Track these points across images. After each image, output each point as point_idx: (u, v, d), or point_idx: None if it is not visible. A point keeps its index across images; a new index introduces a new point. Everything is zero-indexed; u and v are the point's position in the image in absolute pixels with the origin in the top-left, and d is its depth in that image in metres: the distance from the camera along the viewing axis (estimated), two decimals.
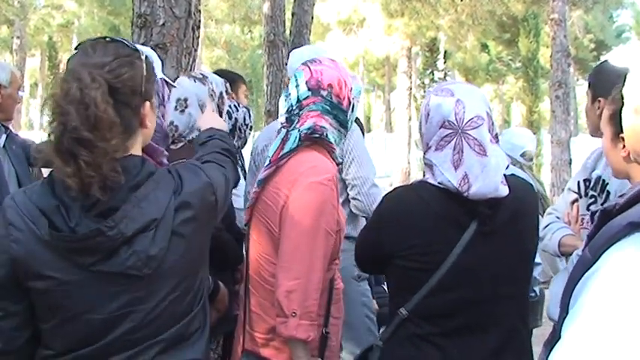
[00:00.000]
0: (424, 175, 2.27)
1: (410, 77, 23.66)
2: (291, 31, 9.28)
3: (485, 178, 2.09)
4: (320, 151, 2.43)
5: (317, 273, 2.28)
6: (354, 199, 3.52)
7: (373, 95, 51.08)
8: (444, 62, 28.72)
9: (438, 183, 2.14)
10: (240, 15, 28.85)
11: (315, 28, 25.92)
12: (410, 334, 2.17)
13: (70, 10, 32.78)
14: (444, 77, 27.62)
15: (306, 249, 2.28)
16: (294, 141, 2.38)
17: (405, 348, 2.18)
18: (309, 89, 2.42)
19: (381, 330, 2.44)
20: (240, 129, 3.88)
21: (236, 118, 3.87)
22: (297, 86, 2.44)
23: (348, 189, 3.56)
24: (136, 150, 1.80)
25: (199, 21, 4.07)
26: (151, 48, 3.81)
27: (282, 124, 2.46)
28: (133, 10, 4.01)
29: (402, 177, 22.11)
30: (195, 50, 4.06)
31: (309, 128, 2.37)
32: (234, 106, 3.92)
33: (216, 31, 33.13)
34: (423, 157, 2.24)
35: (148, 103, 1.81)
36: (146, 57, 1.82)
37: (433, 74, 27.29)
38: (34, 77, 45.66)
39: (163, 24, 3.87)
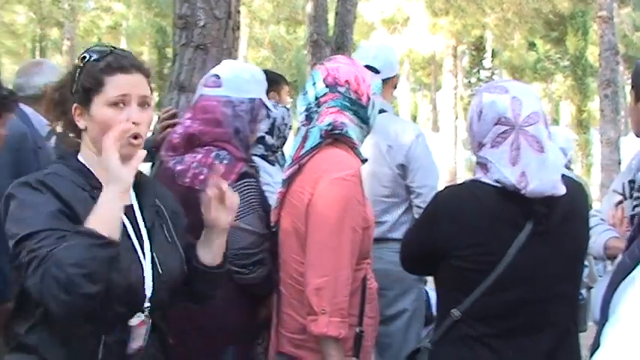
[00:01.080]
0: (474, 175, 2.24)
1: (456, 76, 23.49)
2: (334, 31, 9.27)
3: (543, 175, 2.07)
4: (342, 147, 2.43)
5: (345, 269, 2.28)
6: (418, 206, 3.49)
7: (419, 94, 50.76)
8: (491, 61, 28.41)
9: (494, 181, 2.12)
10: (284, 15, 28.96)
11: (360, 28, 25.87)
12: (462, 335, 2.15)
13: (119, 12, 33.31)
14: (491, 76, 27.34)
15: (332, 245, 2.28)
16: (315, 138, 2.40)
17: (457, 350, 2.16)
18: (326, 86, 2.44)
19: (425, 331, 2.42)
20: (279, 128, 3.89)
21: (274, 117, 3.87)
22: (314, 84, 2.47)
23: (413, 196, 3.55)
24: None
25: (239, 22, 4.09)
26: (192, 49, 3.87)
27: (301, 122, 2.49)
28: (174, 11, 4.04)
29: (448, 177, 21.95)
30: (236, 51, 4.08)
31: (329, 124, 2.38)
32: (273, 104, 3.93)
33: (260, 32, 33.30)
34: (476, 155, 2.22)
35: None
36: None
37: (479, 73, 27.03)
38: None
39: (204, 25, 3.89)
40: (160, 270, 1.98)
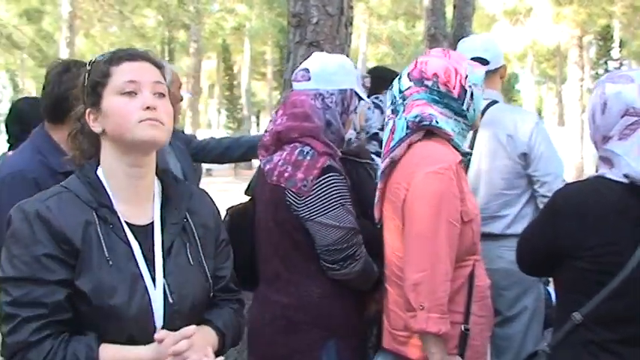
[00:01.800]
0: (596, 170, 2.16)
1: (582, 68, 22.56)
2: (452, 24, 9.10)
3: None
4: (437, 141, 2.41)
5: (443, 264, 2.25)
6: (544, 196, 3.37)
7: (544, 87, 49.18)
8: (619, 51, 27.09)
9: (622, 176, 2.03)
10: (402, 10, 28.79)
11: (481, 20, 25.35)
12: (584, 340, 2.07)
13: (242, 13, 34.17)
14: (619, 67, 26.09)
15: (429, 240, 2.26)
16: (402, 129, 2.40)
17: (578, 355, 2.08)
18: (410, 80, 2.43)
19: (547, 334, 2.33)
20: None
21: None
22: (400, 78, 2.48)
23: (537, 186, 3.44)
24: None
25: (352, 17, 4.11)
26: (305, 46, 3.90)
27: (388, 116, 2.50)
28: (288, 9, 4.10)
29: (574, 173, 21.17)
30: (349, 46, 4.11)
31: (415, 116, 2.37)
32: None
33: (378, 28, 33.26)
34: (599, 149, 2.14)
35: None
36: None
37: (607, 64, 25.84)
38: (212, 79, 48.12)
39: (317, 22, 3.94)
40: (170, 299, 1.81)
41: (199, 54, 30.22)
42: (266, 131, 2.76)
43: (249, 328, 2.68)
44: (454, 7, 9.05)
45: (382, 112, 3.86)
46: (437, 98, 2.40)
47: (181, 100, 3.76)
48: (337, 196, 2.53)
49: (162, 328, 1.78)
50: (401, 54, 33.84)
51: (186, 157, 3.74)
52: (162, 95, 1.86)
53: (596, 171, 2.16)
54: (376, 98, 3.95)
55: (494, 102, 3.57)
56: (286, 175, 2.55)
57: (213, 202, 2.13)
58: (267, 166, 2.64)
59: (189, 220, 1.95)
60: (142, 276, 1.79)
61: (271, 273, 2.65)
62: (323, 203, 2.50)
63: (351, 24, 4.11)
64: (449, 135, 2.40)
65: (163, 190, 1.96)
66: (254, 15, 34.11)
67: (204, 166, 22.27)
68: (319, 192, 2.51)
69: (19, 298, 1.68)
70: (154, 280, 1.81)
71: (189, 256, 1.91)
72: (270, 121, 2.77)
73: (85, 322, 1.73)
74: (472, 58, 3.53)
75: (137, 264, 1.80)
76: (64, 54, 20.80)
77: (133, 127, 1.78)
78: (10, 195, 2.54)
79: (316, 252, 2.55)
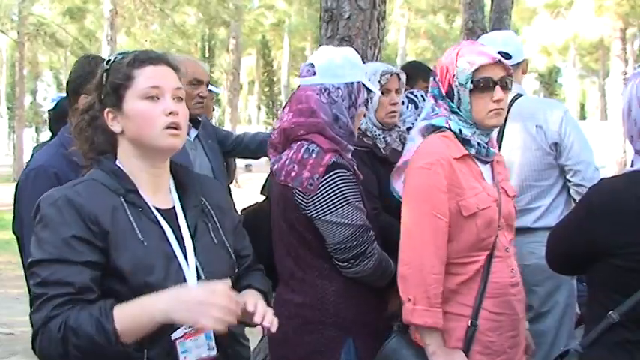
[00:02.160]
0: (632, 165, 2.11)
1: (625, 61, 22.09)
2: (490, 18, 9.00)
3: None
4: (441, 135, 2.47)
5: (428, 257, 2.33)
6: (578, 185, 3.34)
7: (587, 81, 48.37)
8: None
9: None
10: (441, 4, 28.57)
11: (522, 13, 25.03)
12: (621, 340, 2.02)
13: (281, 9, 34.30)
14: None
15: (413, 235, 2.38)
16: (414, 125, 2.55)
17: (613, 355, 2.03)
18: (431, 75, 2.55)
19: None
20: None
21: (422, 108, 3.82)
22: None
23: (569, 175, 3.39)
24: None
25: (384, 12, 4.08)
26: (337, 41, 3.90)
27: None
28: (320, 4, 4.09)
29: (617, 168, 20.76)
30: (381, 41, 4.08)
31: (426, 116, 2.46)
32: (422, 95, 3.88)
33: (415, 23, 33.08)
34: (634, 144, 2.10)
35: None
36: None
37: None
38: (251, 75, 48.40)
39: (349, 17, 3.92)
40: (203, 276, 1.87)
41: (239, 51, 30.38)
42: (274, 129, 2.74)
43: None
44: (492, 0, 8.96)
45: (417, 107, 3.83)
46: (436, 93, 2.50)
47: (205, 96, 3.71)
48: (344, 194, 2.49)
49: None
50: (441, 48, 33.60)
51: (216, 155, 3.75)
52: (181, 99, 1.92)
53: (631, 166, 2.12)
54: (411, 93, 3.93)
55: (519, 95, 3.56)
56: (293, 174, 2.53)
57: (222, 187, 2.22)
58: (276, 165, 2.63)
59: (207, 203, 2.03)
60: (175, 255, 1.86)
61: (286, 272, 2.64)
62: (330, 201, 2.48)
63: (384, 18, 4.07)
64: (450, 131, 2.46)
65: (177, 179, 2.02)
66: (293, 11, 34.23)
67: (244, 162, 22.22)
68: (326, 190, 2.48)
69: (46, 277, 1.71)
70: (186, 259, 1.88)
71: (212, 235, 1.99)
72: (278, 118, 2.74)
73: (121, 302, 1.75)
74: None
75: (170, 244, 1.87)
76: (106, 52, 21.10)
77: (157, 135, 1.86)
78: (33, 189, 2.65)
79: (328, 250, 2.53)
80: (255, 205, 2.95)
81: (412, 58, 31.99)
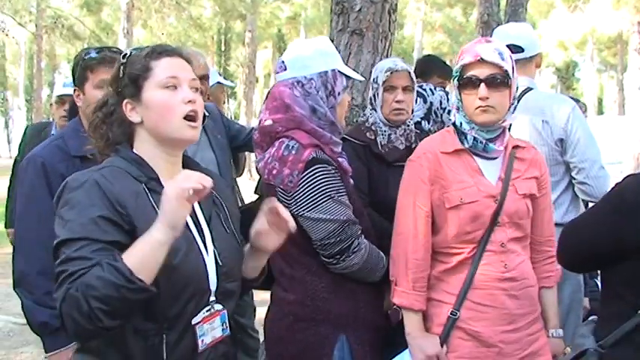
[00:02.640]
0: None
1: None
2: (505, 11, 8.95)
3: None
4: (444, 130, 2.61)
5: (409, 243, 2.52)
6: (582, 183, 3.31)
7: (605, 75, 47.96)
8: None
9: None
10: None
11: (538, 7, 24.88)
12: None
13: (297, 2, 34.24)
14: None
15: (399, 222, 2.58)
16: None
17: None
18: None
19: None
20: (435, 113, 3.83)
21: (431, 102, 3.82)
22: None
23: (574, 172, 3.35)
24: None
25: (395, 5, 4.04)
26: (348, 34, 3.89)
27: None
28: None
29: (634, 164, 20.55)
30: (392, 34, 4.04)
31: None
32: (430, 89, 3.87)
33: (432, 16, 32.92)
34: None
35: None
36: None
37: None
38: (267, 68, 48.36)
39: (360, 10, 3.90)
40: (220, 262, 1.95)
41: (255, 44, 30.34)
42: (254, 129, 2.72)
43: (264, 327, 2.67)
44: None
45: (425, 101, 3.83)
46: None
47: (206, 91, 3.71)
48: (325, 189, 2.46)
49: (216, 290, 1.94)
50: (457, 42, 33.44)
51: (224, 150, 3.71)
52: (197, 90, 1.98)
53: None
54: (420, 87, 3.92)
55: (530, 89, 3.51)
56: (274, 171, 2.51)
57: (226, 183, 2.30)
58: (260, 164, 2.61)
59: (216, 194, 2.08)
60: (195, 241, 1.92)
61: (277, 270, 2.60)
62: (311, 197, 2.45)
63: (395, 11, 4.04)
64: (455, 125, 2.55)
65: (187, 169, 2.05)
66: (309, 4, 34.16)
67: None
68: (306, 186, 2.45)
69: (69, 254, 1.71)
70: (205, 245, 1.94)
71: (224, 225, 2.07)
72: (257, 118, 2.70)
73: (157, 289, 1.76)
74: (506, 46, 3.50)
75: (190, 230, 1.91)
76: (123, 44, 21.19)
77: (178, 125, 1.91)
78: (23, 179, 2.74)
79: (314, 247, 2.51)
80: (249, 204, 2.93)
81: (428, 52, 31.91)
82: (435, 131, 3.80)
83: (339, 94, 2.60)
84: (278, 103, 2.56)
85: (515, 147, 2.60)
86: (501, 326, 2.47)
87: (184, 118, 1.91)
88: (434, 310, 2.53)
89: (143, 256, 1.69)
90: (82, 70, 2.82)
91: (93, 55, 2.81)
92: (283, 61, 2.63)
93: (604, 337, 2.08)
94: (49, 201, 2.62)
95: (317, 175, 2.46)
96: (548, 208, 2.68)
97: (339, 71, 2.62)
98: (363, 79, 2.99)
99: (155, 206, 1.83)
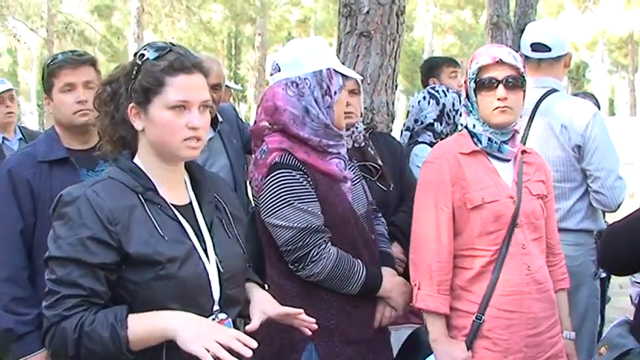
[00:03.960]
0: None
1: None
2: (515, 12, 8.91)
3: None
4: (458, 134, 2.61)
5: (432, 245, 2.47)
6: (596, 192, 3.25)
7: (616, 76, 47.69)
8: None
9: None
10: None
11: (549, 7, 24.80)
12: None
13: (307, 6, 34.26)
14: None
15: (420, 224, 2.53)
16: None
17: None
18: None
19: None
20: (448, 114, 3.82)
21: (444, 104, 3.81)
22: None
23: (590, 180, 3.29)
24: None
25: (404, 7, 4.04)
26: (356, 37, 3.88)
27: None
28: (339, 0, 4.08)
29: None
30: (400, 36, 4.04)
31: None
32: (443, 91, 3.86)
33: (442, 18, 32.85)
34: None
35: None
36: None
37: None
38: None
39: (367, 12, 3.91)
40: (222, 269, 1.93)
41: (265, 47, 30.36)
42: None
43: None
44: None
45: (437, 103, 3.82)
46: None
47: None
48: (284, 195, 2.42)
49: (219, 298, 1.93)
50: (468, 44, 33.35)
51: (239, 156, 3.70)
52: (207, 107, 1.94)
53: None
54: (432, 89, 3.92)
55: (553, 90, 3.44)
56: (251, 175, 2.53)
57: (229, 186, 2.31)
58: (250, 167, 2.61)
59: (219, 199, 2.08)
60: (195, 249, 1.90)
61: (264, 270, 2.60)
62: (271, 202, 2.43)
63: (403, 13, 4.03)
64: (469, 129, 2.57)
65: (191, 176, 2.06)
66: (319, 7, 34.17)
67: None
68: (268, 191, 2.44)
69: (61, 276, 1.77)
70: (206, 253, 1.93)
71: (227, 230, 2.04)
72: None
73: (152, 295, 1.80)
74: (532, 44, 3.47)
75: (190, 238, 1.91)
76: (133, 49, 21.24)
77: (177, 146, 1.89)
78: None
79: None
80: None
81: (439, 54, 31.85)
82: (448, 133, 3.81)
83: (335, 93, 2.54)
84: (268, 105, 2.52)
85: (523, 152, 2.63)
86: (526, 330, 2.47)
87: (185, 139, 1.88)
88: (459, 321, 2.49)
89: (146, 335, 1.76)
90: (47, 77, 2.82)
91: (57, 59, 2.82)
92: (277, 63, 2.59)
93: None
94: (15, 209, 2.70)
95: (278, 180, 2.43)
96: (553, 213, 2.72)
97: (334, 70, 2.56)
98: (361, 77, 2.95)
99: (152, 217, 1.85)
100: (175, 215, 1.91)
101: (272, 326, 2.46)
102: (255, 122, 2.62)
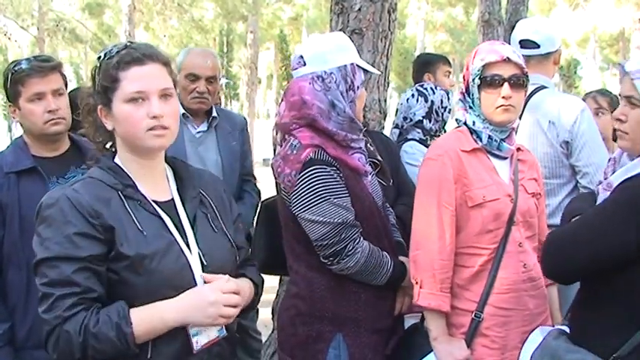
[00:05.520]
0: None
1: None
2: (506, 10, 8.93)
3: None
4: (457, 130, 2.59)
5: (435, 243, 2.44)
6: (585, 188, 3.27)
7: (608, 73, 47.86)
8: None
9: None
10: None
11: (540, 5, 24.87)
12: None
13: (299, 3, 34.24)
14: None
15: (421, 222, 2.49)
16: None
17: None
18: None
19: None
20: (436, 112, 3.84)
21: (432, 101, 3.82)
22: None
23: (579, 176, 3.32)
24: None
25: (395, 4, 4.04)
26: (348, 34, 3.88)
27: None
28: None
29: None
30: (392, 33, 4.04)
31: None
32: (431, 88, 3.88)
33: (434, 15, 32.90)
34: None
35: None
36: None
37: None
38: (270, 69, 48.44)
39: (359, 9, 3.91)
40: (205, 262, 1.95)
41: (257, 45, 30.32)
42: (273, 128, 2.71)
43: (272, 311, 2.69)
44: None
45: (426, 100, 3.83)
46: (463, 90, 2.60)
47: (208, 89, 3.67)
48: (320, 191, 2.44)
49: None
50: (459, 41, 33.42)
51: (234, 156, 3.72)
52: (168, 97, 1.95)
53: None
54: (420, 86, 3.93)
55: (542, 87, 3.45)
56: (279, 170, 2.52)
57: (221, 181, 2.34)
58: (272, 161, 2.61)
59: (205, 195, 2.10)
60: (177, 242, 1.93)
61: (287, 264, 2.65)
62: (306, 198, 2.44)
63: (395, 10, 4.03)
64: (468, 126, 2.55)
65: (176, 173, 2.09)
66: (311, 5, 34.17)
67: (262, 156, 22.14)
68: (302, 187, 2.44)
69: (53, 277, 1.78)
70: (188, 246, 1.95)
71: (212, 225, 2.06)
72: (276, 114, 2.69)
73: (137, 292, 1.84)
74: (521, 41, 3.47)
75: (171, 233, 1.94)
76: None
77: (142, 136, 1.91)
78: None
79: None
80: (273, 197, 2.93)
81: (431, 51, 31.91)
82: (437, 130, 3.83)
83: (358, 87, 2.60)
84: (295, 99, 2.54)
85: (517, 149, 2.63)
86: (523, 327, 2.47)
87: (149, 129, 1.90)
88: (459, 319, 2.49)
89: (150, 327, 1.83)
90: (13, 84, 2.75)
91: (22, 66, 2.74)
92: (302, 56, 2.61)
93: (609, 350, 2.01)
94: None
95: (313, 176, 2.45)
96: (544, 210, 2.74)
97: (357, 65, 2.61)
98: (380, 72, 2.98)
99: (131, 213, 1.88)
100: (156, 210, 1.94)
101: (296, 317, 2.55)
102: (279, 117, 2.63)
